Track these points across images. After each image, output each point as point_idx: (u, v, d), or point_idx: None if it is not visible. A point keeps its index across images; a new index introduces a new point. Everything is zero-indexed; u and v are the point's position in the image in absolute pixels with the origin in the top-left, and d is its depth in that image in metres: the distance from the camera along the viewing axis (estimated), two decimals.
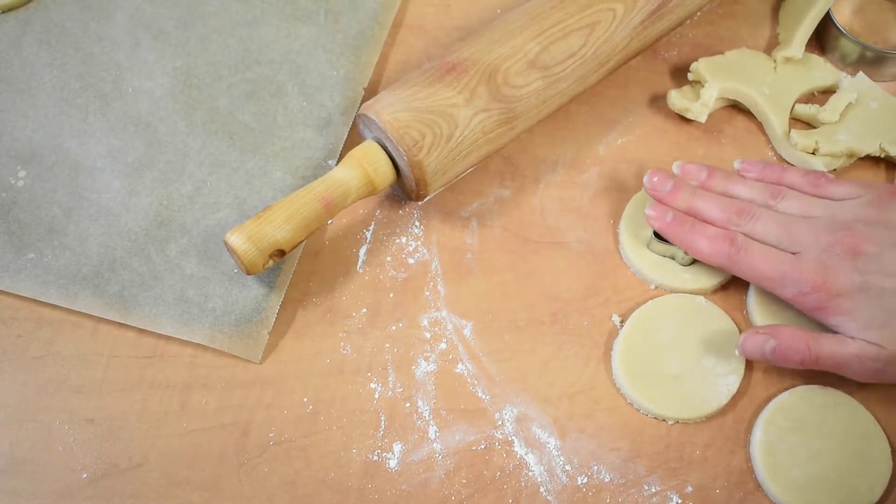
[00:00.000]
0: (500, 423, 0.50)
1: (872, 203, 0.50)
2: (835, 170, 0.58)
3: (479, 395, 0.51)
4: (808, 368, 0.49)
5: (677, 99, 0.60)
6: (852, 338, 0.48)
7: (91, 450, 0.49)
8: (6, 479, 0.48)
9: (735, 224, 0.51)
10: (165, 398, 0.50)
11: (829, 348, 0.48)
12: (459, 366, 0.52)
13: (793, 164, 0.59)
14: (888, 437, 0.49)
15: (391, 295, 0.54)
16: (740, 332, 0.52)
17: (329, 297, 0.54)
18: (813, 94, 0.62)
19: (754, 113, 0.61)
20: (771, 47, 0.64)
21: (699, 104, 0.59)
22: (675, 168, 0.55)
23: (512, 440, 0.50)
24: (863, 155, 0.58)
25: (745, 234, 0.51)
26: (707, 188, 0.54)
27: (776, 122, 0.59)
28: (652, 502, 0.48)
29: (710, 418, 0.51)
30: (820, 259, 0.48)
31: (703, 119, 0.59)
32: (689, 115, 0.59)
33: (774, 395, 0.51)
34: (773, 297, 0.52)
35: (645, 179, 0.53)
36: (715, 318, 0.52)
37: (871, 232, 0.49)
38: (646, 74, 0.63)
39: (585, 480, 0.49)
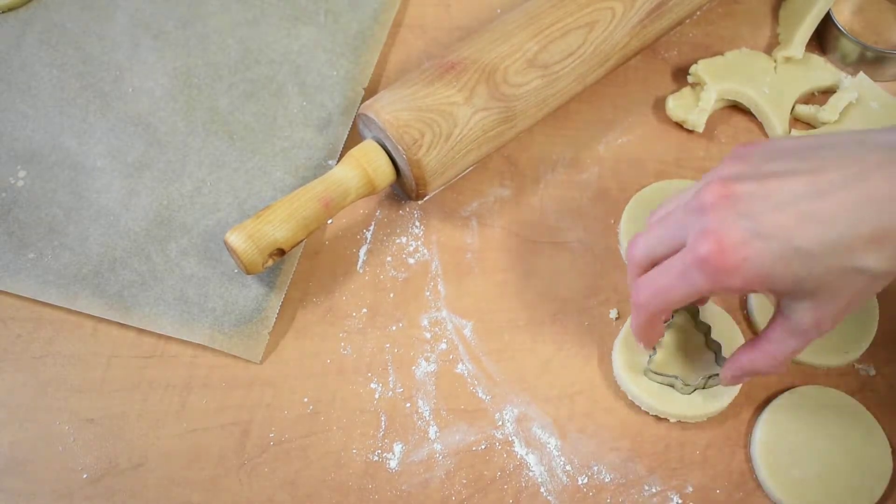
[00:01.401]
0: (500, 423, 0.50)
1: (723, 162, 0.42)
2: None
3: (480, 395, 0.51)
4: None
5: (674, 108, 0.60)
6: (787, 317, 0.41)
7: (91, 450, 0.49)
8: (6, 479, 0.48)
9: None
10: (165, 398, 0.50)
11: (781, 350, 0.42)
12: (459, 366, 0.52)
13: None
14: (888, 437, 0.49)
15: (391, 295, 0.54)
16: (741, 331, 0.52)
17: (329, 297, 0.54)
18: (813, 94, 0.62)
19: (754, 113, 0.60)
20: (771, 47, 0.64)
21: (697, 110, 0.59)
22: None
23: (512, 440, 0.50)
24: None
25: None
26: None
27: (776, 122, 0.59)
28: (652, 502, 0.48)
29: (710, 418, 0.51)
30: (700, 229, 0.39)
31: (700, 129, 0.59)
32: (686, 126, 0.59)
33: (774, 395, 0.51)
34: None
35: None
36: (716, 316, 0.52)
37: (736, 176, 0.40)
38: (646, 74, 0.63)
39: (586, 480, 0.49)
